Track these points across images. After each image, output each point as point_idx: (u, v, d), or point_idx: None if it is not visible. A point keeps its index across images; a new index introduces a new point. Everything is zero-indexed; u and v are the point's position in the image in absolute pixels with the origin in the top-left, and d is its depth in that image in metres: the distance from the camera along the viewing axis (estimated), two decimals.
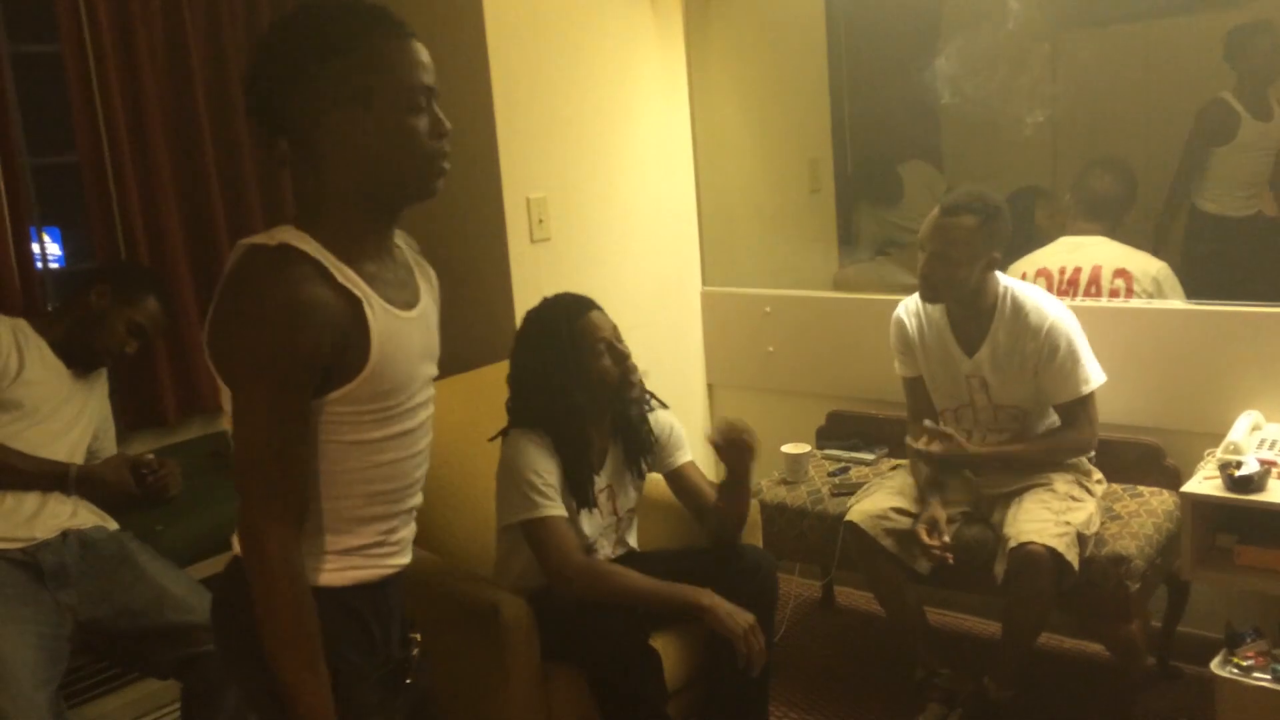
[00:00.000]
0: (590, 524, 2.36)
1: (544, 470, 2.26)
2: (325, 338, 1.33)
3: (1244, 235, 3.49)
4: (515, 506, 2.26)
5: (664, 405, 2.51)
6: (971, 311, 2.65)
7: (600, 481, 2.39)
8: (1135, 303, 2.87)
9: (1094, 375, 2.61)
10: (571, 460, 2.31)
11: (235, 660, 1.50)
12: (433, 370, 1.56)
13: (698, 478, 2.51)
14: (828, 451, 3.25)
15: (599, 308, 2.40)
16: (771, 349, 3.51)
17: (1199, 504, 2.45)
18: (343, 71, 1.35)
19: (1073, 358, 2.58)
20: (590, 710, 2.28)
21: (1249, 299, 2.78)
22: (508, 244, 2.97)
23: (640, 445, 2.45)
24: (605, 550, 2.42)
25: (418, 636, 1.63)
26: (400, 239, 1.56)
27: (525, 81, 2.99)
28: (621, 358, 2.34)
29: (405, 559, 1.56)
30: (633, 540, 2.51)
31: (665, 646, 2.31)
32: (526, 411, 2.35)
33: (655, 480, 2.64)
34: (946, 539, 2.56)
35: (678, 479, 2.50)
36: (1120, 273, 2.90)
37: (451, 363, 2.92)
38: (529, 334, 2.39)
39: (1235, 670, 2.33)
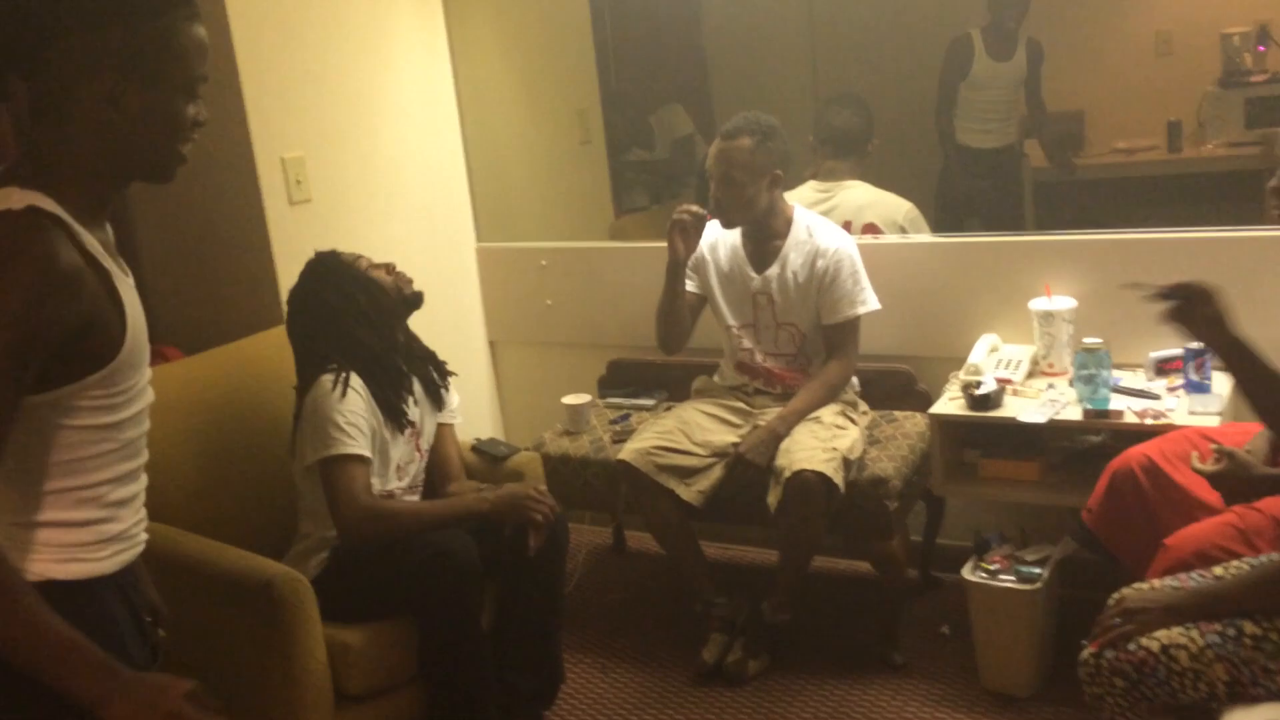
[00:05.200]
0: (399, 451, 2.41)
1: (349, 410, 2.29)
2: (78, 311, 1.24)
3: (992, 166, 3.76)
4: (317, 445, 2.27)
5: (451, 373, 2.61)
6: (764, 233, 2.80)
7: (411, 416, 2.44)
8: (886, 239, 3.03)
9: (870, 299, 2.78)
10: (382, 387, 2.37)
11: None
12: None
13: (451, 446, 2.57)
14: (609, 400, 3.30)
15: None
16: (550, 302, 3.52)
17: (945, 423, 2.63)
18: (131, 42, 1.27)
19: (854, 279, 2.77)
20: (378, 676, 2.26)
21: (1000, 228, 3.00)
22: (264, 207, 2.84)
23: (435, 381, 2.54)
24: (406, 481, 2.47)
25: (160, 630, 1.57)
26: None
27: (271, 35, 2.84)
28: (393, 268, 2.48)
29: (141, 544, 1.48)
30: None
31: None
32: (325, 358, 2.37)
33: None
34: None
35: (435, 438, 2.56)
36: (868, 227, 3.05)
37: (212, 335, 2.81)
38: (304, 293, 2.44)
39: (984, 574, 2.52)
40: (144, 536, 1.47)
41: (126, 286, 1.35)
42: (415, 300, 2.51)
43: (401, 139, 3.26)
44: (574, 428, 3.10)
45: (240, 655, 2.22)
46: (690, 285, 2.91)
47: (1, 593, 1.22)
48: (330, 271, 2.44)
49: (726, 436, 2.78)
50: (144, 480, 1.47)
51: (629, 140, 4.17)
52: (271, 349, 2.76)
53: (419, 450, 2.49)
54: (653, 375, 3.31)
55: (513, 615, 2.44)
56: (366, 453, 2.29)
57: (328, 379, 2.32)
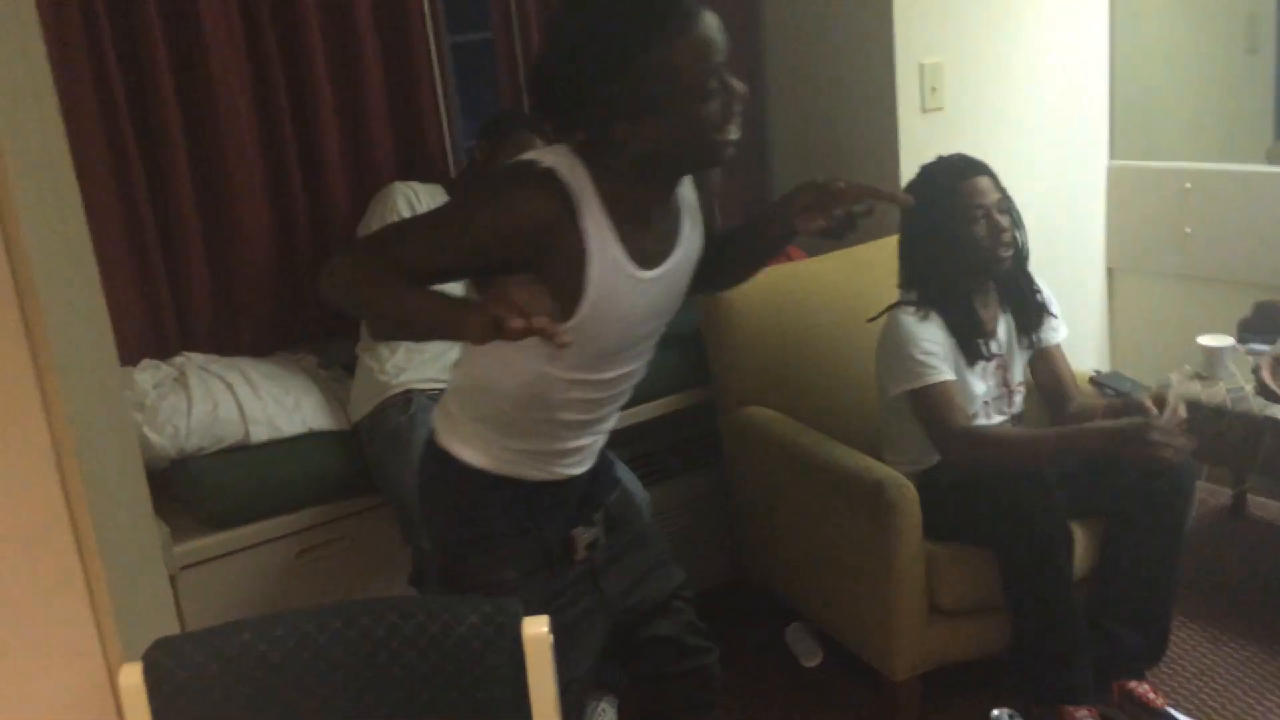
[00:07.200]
0: (980, 384, 2.30)
1: (928, 339, 2.23)
2: (522, 254, 1.36)
3: None
4: (901, 377, 2.25)
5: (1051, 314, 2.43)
6: None
7: (992, 349, 2.31)
8: None
9: None
10: (957, 321, 2.26)
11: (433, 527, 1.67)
12: (658, 326, 1.56)
13: (1062, 365, 2.42)
14: (1252, 346, 2.88)
15: (990, 173, 2.29)
16: (1189, 230, 3.14)
17: None
18: (630, 85, 1.34)
19: None
20: (968, 595, 2.23)
21: None
22: (897, 113, 2.83)
23: (1031, 317, 2.38)
24: (1001, 418, 2.36)
25: (593, 535, 1.65)
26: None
27: None
28: (997, 229, 2.23)
29: (581, 468, 1.61)
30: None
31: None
32: (912, 280, 2.32)
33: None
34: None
35: (1041, 359, 2.42)
36: None
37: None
38: (915, 193, 2.30)
39: None
40: (568, 470, 1.58)
41: (621, 275, 1.42)
42: (1001, 270, 2.28)
43: (1042, 45, 3.05)
44: (1208, 372, 2.76)
45: (846, 548, 2.31)
46: None
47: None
48: (937, 188, 2.27)
49: None
50: (600, 428, 1.60)
51: None
52: (883, 257, 2.76)
53: (1007, 385, 2.36)
54: None
55: (1120, 562, 2.26)
56: (952, 377, 2.22)
57: (905, 314, 2.26)
